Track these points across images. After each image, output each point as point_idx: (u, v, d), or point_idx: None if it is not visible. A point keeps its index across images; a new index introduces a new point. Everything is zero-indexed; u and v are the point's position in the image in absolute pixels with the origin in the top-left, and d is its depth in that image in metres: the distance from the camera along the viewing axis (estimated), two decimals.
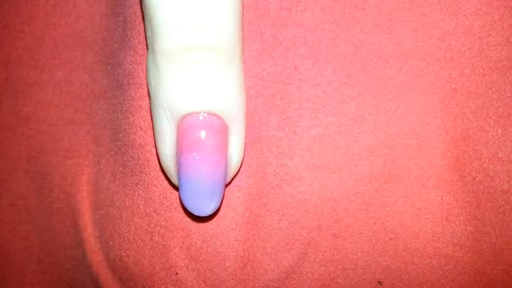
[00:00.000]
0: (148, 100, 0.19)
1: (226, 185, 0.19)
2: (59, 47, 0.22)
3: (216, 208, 0.18)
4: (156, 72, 0.17)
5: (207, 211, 0.18)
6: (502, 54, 0.18)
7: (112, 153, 0.21)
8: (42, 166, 0.22)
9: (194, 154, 0.17)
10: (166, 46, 0.17)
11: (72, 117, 0.21)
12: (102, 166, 0.21)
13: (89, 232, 0.21)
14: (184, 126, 0.17)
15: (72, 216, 0.21)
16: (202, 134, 0.17)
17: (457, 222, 0.19)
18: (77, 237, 0.21)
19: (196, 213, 0.18)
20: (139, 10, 0.20)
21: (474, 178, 0.19)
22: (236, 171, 0.19)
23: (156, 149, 0.18)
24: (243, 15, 0.17)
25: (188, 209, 0.18)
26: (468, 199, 0.19)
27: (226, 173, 0.18)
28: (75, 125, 0.21)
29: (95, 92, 0.21)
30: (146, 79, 0.19)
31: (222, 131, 0.17)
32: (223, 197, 0.19)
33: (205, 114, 0.17)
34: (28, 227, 0.23)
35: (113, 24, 0.21)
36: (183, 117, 0.17)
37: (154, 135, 0.18)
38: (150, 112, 0.19)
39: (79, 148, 0.21)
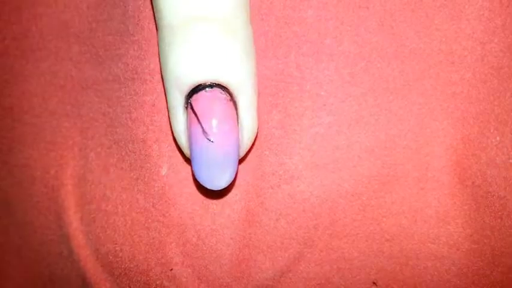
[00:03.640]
0: (152, 96, 0.19)
1: (242, 160, 0.19)
2: (44, 38, 0.21)
3: (230, 181, 0.17)
4: (162, 48, 0.17)
5: (220, 184, 0.17)
6: (504, 61, 0.18)
7: (105, 147, 0.20)
8: (23, 158, 0.22)
9: (205, 123, 0.17)
10: (169, 20, 0.17)
11: (56, 109, 0.21)
12: (90, 159, 0.20)
13: (75, 227, 0.20)
14: (192, 98, 0.17)
15: (55, 211, 0.21)
16: (210, 104, 0.17)
17: (453, 224, 0.19)
18: (60, 232, 0.21)
19: (210, 186, 0.17)
20: (143, 5, 0.19)
21: (473, 182, 0.19)
22: (251, 141, 0.18)
23: (170, 124, 0.18)
24: None
25: (201, 182, 0.17)
26: (468, 202, 0.19)
27: (238, 143, 0.17)
28: (59, 117, 0.21)
29: (81, 84, 0.21)
30: (150, 74, 0.19)
31: (230, 100, 0.17)
32: (237, 171, 0.18)
33: (211, 85, 0.17)
34: (7, 221, 0.23)
35: (105, 16, 0.20)
36: (190, 89, 0.17)
37: (168, 111, 0.18)
38: (155, 106, 0.19)
39: (63, 140, 0.21)
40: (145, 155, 0.19)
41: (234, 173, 0.18)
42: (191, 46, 0.16)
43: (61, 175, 0.21)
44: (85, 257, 0.20)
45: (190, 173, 0.19)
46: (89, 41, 0.21)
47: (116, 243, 0.20)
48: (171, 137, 0.19)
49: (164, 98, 0.19)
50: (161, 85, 0.19)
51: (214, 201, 0.19)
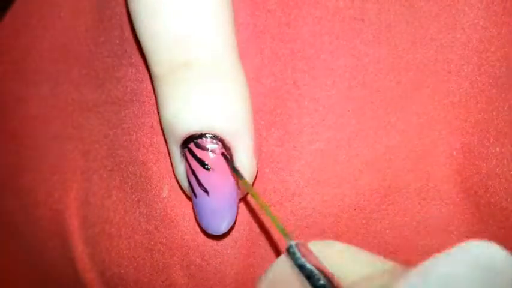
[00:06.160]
0: (151, 118, 0.19)
1: (240, 200, 0.19)
2: (44, 61, 0.21)
3: (229, 226, 0.18)
4: (156, 95, 0.17)
5: (220, 229, 0.18)
6: (501, 70, 0.18)
7: (107, 169, 0.20)
8: (28, 182, 0.22)
9: (199, 175, 0.17)
10: (157, 70, 0.17)
11: (59, 132, 0.21)
12: (93, 182, 0.20)
13: (80, 250, 0.21)
14: (185, 149, 0.17)
15: (60, 234, 0.21)
16: (201, 155, 0.17)
17: (456, 233, 0.19)
18: (67, 255, 0.21)
19: (210, 231, 0.18)
20: None
21: (476, 192, 0.19)
22: (250, 183, 0.18)
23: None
24: (231, 23, 0.17)
25: (203, 227, 0.18)
26: (471, 211, 0.19)
27: (234, 189, 0.18)
28: (61, 140, 0.21)
29: (83, 106, 0.21)
30: (148, 96, 0.19)
31: (222, 148, 0.17)
32: (237, 214, 0.18)
33: (201, 135, 0.17)
34: (16, 243, 0.23)
35: (102, 38, 0.20)
36: (183, 140, 0.17)
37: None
38: (154, 128, 0.19)
39: (66, 163, 0.21)
40: (146, 177, 0.19)
41: (233, 219, 0.18)
42: (180, 96, 0.16)
43: (65, 198, 0.21)
44: (91, 280, 0.20)
45: None
46: (88, 63, 0.21)
47: (120, 266, 0.20)
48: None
49: None
50: None
51: None
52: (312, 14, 0.19)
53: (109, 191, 0.20)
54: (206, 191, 0.17)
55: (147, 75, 0.19)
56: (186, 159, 0.17)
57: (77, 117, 0.21)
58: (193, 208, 0.18)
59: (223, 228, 0.18)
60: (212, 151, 0.17)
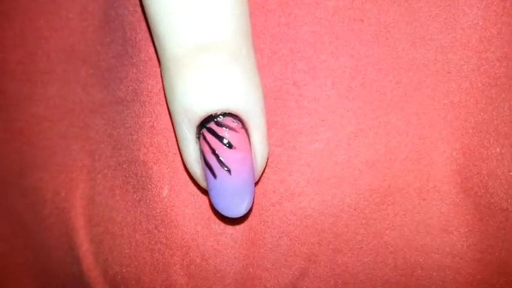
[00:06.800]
0: (151, 117, 0.19)
1: (255, 183, 0.19)
2: (52, 61, 0.21)
3: (249, 207, 0.18)
4: (167, 80, 0.17)
5: (240, 211, 0.17)
6: (501, 70, 0.18)
7: (111, 168, 0.20)
8: (35, 181, 0.22)
9: (218, 155, 0.17)
10: (174, 50, 0.17)
11: (66, 132, 0.21)
12: (98, 181, 0.21)
13: (85, 249, 0.21)
14: (203, 129, 0.17)
15: (66, 233, 0.21)
16: (223, 133, 0.17)
17: (456, 234, 0.19)
18: (72, 253, 0.21)
19: (229, 214, 0.17)
20: (139, 27, 0.19)
21: (476, 193, 0.19)
22: (263, 167, 0.18)
23: (181, 156, 0.18)
24: (248, 10, 0.17)
25: (220, 211, 0.17)
26: (471, 211, 0.19)
27: (253, 169, 0.18)
28: (68, 140, 0.21)
29: (89, 107, 0.21)
30: (149, 96, 0.19)
31: (242, 128, 0.17)
32: (254, 196, 0.18)
33: (222, 114, 0.17)
34: (23, 242, 0.23)
35: (108, 39, 0.21)
36: (201, 121, 0.17)
37: (177, 142, 0.18)
38: (154, 128, 0.19)
39: (72, 163, 0.21)
40: (146, 177, 0.19)
41: (252, 200, 0.18)
42: (200, 77, 0.16)
43: (71, 197, 0.21)
44: (94, 279, 0.21)
45: (192, 194, 0.19)
46: (95, 64, 0.21)
47: (122, 266, 0.20)
48: (171, 159, 0.19)
49: (163, 119, 0.19)
50: (159, 107, 0.19)
51: (217, 221, 0.19)
52: (311, 14, 0.19)
53: (113, 191, 0.20)
54: (228, 170, 0.17)
55: (147, 75, 0.19)
56: (205, 140, 0.17)
57: (83, 118, 0.21)
58: (208, 195, 0.18)
59: (243, 209, 0.17)
60: (234, 129, 0.17)
